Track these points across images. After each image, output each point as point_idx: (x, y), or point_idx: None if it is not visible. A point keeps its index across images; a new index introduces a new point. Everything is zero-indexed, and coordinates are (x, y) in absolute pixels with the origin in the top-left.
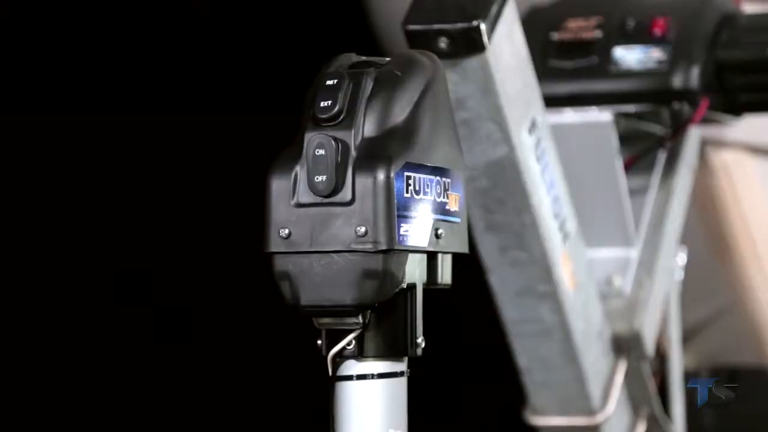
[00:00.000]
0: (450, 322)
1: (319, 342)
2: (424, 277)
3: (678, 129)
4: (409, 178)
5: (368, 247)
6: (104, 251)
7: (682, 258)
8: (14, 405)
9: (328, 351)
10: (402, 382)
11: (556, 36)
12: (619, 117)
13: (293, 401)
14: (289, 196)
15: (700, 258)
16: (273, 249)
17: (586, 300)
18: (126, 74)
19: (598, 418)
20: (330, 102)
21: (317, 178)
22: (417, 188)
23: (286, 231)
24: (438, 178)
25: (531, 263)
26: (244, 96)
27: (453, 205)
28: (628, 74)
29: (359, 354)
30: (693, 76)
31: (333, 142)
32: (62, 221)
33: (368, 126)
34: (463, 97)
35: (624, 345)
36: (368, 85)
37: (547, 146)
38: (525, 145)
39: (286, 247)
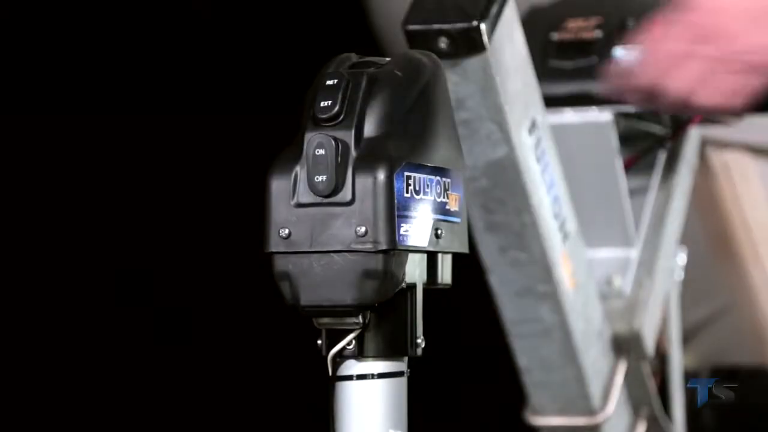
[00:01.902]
0: (450, 322)
1: (319, 342)
2: (424, 277)
3: (678, 129)
4: (409, 178)
5: (368, 247)
6: (104, 251)
7: (682, 258)
8: (14, 405)
9: (328, 351)
10: (402, 382)
11: (556, 36)
12: (619, 117)
13: (293, 401)
14: (289, 196)
15: (700, 258)
16: (273, 249)
17: (586, 300)
18: (126, 74)
19: (598, 418)
20: (330, 102)
21: (317, 178)
22: (417, 188)
23: (286, 231)
24: (438, 178)
25: (531, 263)
26: (244, 96)
27: (453, 205)
28: None
29: (359, 354)
30: None
31: (333, 142)
32: (62, 221)
33: (368, 126)
34: (463, 97)
35: (624, 345)
36: (368, 85)
37: (547, 146)
38: (525, 145)
39: (286, 247)
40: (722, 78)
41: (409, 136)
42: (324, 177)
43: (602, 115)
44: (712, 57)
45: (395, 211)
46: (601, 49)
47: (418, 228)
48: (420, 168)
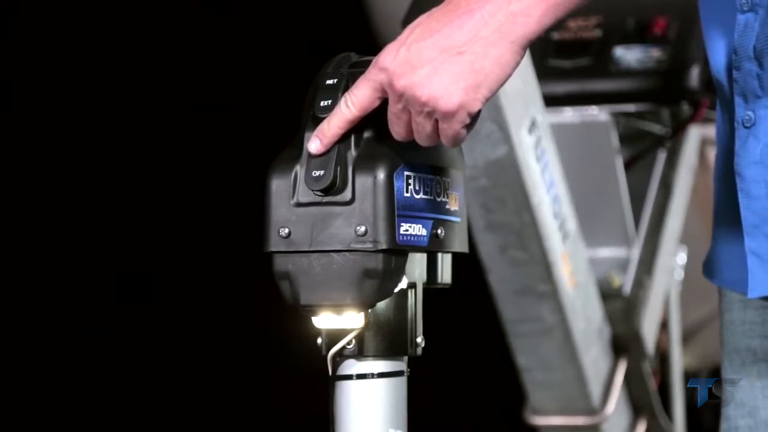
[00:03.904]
0: (450, 322)
1: (319, 341)
2: (424, 277)
3: (678, 129)
4: (409, 177)
5: (368, 246)
6: (104, 251)
7: (682, 258)
8: (14, 404)
9: (328, 350)
10: (402, 382)
11: (556, 35)
12: (619, 117)
13: (293, 401)
14: (288, 196)
15: (700, 258)
16: (273, 249)
17: (585, 299)
18: (126, 74)
19: (598, 418)
20: (330, 101)
21: (315, 173)
22: (417, 188)
23: (286, 230)
24: (438, 177)
25: (531, 262)
26: (243, 96)
27: (453, 205)
28: (628, 74)
29: (359, 353)
30: (693, 76)
31: None
32: (62, 221)
33: (368, 125)
34: None
35: (624, 345)
36: None
37: (547, 145)
38: (525, 144)
39: (286, 247)
40: (422, 125)
41: None
42: (322, 171)
43: (602, 115)
44: (404, 110)
45: (395, 211)
46: (600, 48)
47: (417, 227)
48: (420, 167)
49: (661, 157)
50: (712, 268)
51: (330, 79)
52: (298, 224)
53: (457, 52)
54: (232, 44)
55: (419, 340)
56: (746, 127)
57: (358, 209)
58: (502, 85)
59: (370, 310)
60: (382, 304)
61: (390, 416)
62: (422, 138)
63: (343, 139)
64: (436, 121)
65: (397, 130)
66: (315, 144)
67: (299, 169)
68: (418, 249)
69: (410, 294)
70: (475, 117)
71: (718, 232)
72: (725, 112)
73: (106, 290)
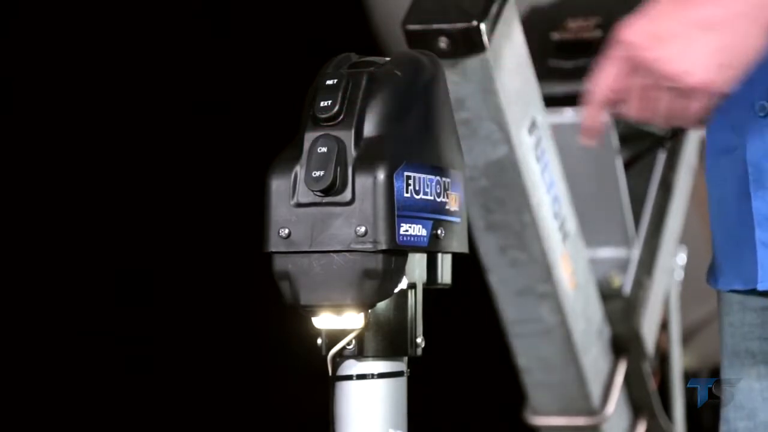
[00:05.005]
0: (450, 322)
1: (319, 341)
2: (424, 277)
3: (678, 129)
4: (408, 177)
5: (368, 246)
6: (104, 251)
7: (682, 258)
8: (14, 404)
9: (328, 351)
10: (402, 382)
11: (556, 36)
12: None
13: (293, 401)
14: (288, 196)
15: (700, 258)
16: (273, 249)
17: (586, 300)
18: (125, 74)
19: (598, 418)
20: (330, 102)
21: (315, 173)
22: (417, 188)
23: (286, 231)
24: (438, 177)
25: (531, 263)
26: (243, 96)
27: (453, 205)
28: None
29: (359, 354)
30: None
31: (334, 141)
32: (62, 221)
33: (368, 126)
34: (463, 97)
35: (624, 345)
36: (368, 85)
37: (547, 146)
38: (525, 144)
39: (286, 247)
40: (665, 103)
41: (409, 136)
42: (322, 172)
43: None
44: (648, 87)
45: (395, 211)
46: (601, 48)
47: (417, 228)
48: (420, 168)
49: (661, 157)
50: (715, 273)
51: (330, 79)
52: (298, 224)
53: (710, 28)
54: (232, 44)
55: (419, 340)
56: (762, 117)
57: (358, 209)
58: (751, 66)
59: (370, 311)
60: (382, 305)
61: (390, 416)
62: (662, 117)
63: (342, 140)
64: (679, 99)
65: (635, 106)
66: (583, 139)
67: (299, 170)
68: (418, 249)
69: (410, 294)
70: (723, 97)
71: (717, 232)
72: (737, 103)
73: (106, 290)
